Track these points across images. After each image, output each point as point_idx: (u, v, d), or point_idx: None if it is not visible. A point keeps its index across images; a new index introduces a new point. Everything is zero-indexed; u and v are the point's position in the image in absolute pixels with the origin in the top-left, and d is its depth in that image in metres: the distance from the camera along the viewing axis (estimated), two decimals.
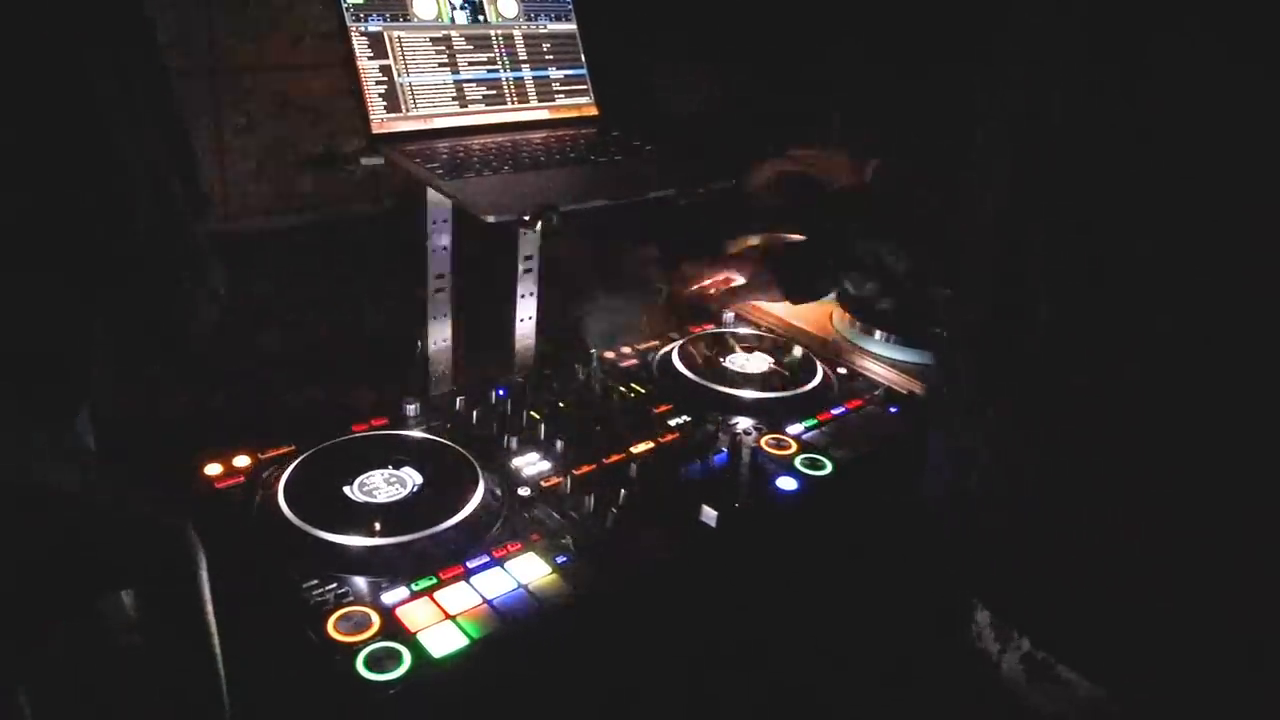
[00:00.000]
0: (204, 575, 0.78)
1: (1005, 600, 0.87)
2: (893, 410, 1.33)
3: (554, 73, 1.38)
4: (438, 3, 1.27)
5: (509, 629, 0.88)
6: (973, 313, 0.87)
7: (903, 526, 1.12)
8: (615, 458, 1.15)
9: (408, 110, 1.23)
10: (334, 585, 0.90)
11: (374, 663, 0.82)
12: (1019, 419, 0.81)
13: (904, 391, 1.38)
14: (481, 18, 1.31)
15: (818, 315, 1.59)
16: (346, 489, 1.02)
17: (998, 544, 0.86)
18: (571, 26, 1.41)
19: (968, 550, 0.90)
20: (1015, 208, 0.79)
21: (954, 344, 0.92)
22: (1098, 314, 0.76)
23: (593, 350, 1.40)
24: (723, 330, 1.52)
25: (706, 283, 1.50)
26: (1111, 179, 0.73)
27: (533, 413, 1.22)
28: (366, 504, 1.01)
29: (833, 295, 1.53)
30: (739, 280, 1.49)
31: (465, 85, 1.29)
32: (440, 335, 1.36)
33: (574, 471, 1.10)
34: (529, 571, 0.95)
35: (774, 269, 1.45)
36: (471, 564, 0.95)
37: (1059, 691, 0.83)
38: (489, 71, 1.32)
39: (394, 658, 0.83)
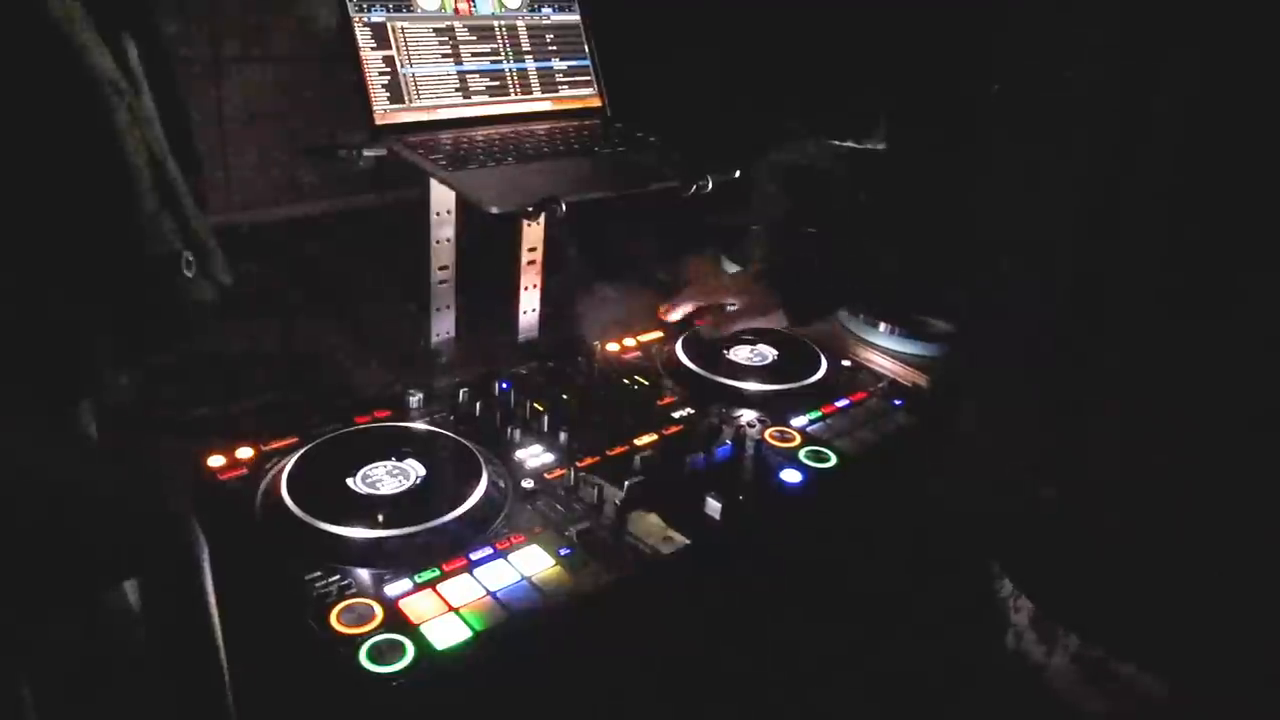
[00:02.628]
0: (206, 566, 0.78)
1: (1065, 599, 0.85)
2: (897, 403, 1.33)
3: (558, 64, 1.38)
4: None
5: (512, 621, 0.88)
6: (1042, 315, 0.84)
7: (909, 520, 1.12)
8: (619, 450, 1.15)
9: (411, 101, 1.23)
10: (337, 577, 0.90)
11: (377, 655, 0.82)
12: (1128, 417, 0.78)
13: (908, 384, 1.37)
14: (485, 8, 1.31)
15: None
16: (349, 481, 1.02)
17: (1071, 547, 0.83)
18: (575, 17, 1.40)
19: (1023, 554, 0.88)
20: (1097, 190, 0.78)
21: (1015, 349, 0.89)
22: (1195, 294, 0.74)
23: (596, 342, 1.40)
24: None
25: (693, 308, 1.43)
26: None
27: (536, 404, 1.21)
28: (369, 496, 1.00)
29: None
30: (733, 304, 1.39)
31: (468, 76, 1.28)
32: (443, 327, 1.36)
33: (577, 463, 1.10)
34: (532, 563, 0.94)
35: (777, 292, 1.35)
36: (474, 556, 0.95)
37: (1117, 690, 0.81)
38: (492, 62, 1.31)
39: (397, 650, 0.82)
